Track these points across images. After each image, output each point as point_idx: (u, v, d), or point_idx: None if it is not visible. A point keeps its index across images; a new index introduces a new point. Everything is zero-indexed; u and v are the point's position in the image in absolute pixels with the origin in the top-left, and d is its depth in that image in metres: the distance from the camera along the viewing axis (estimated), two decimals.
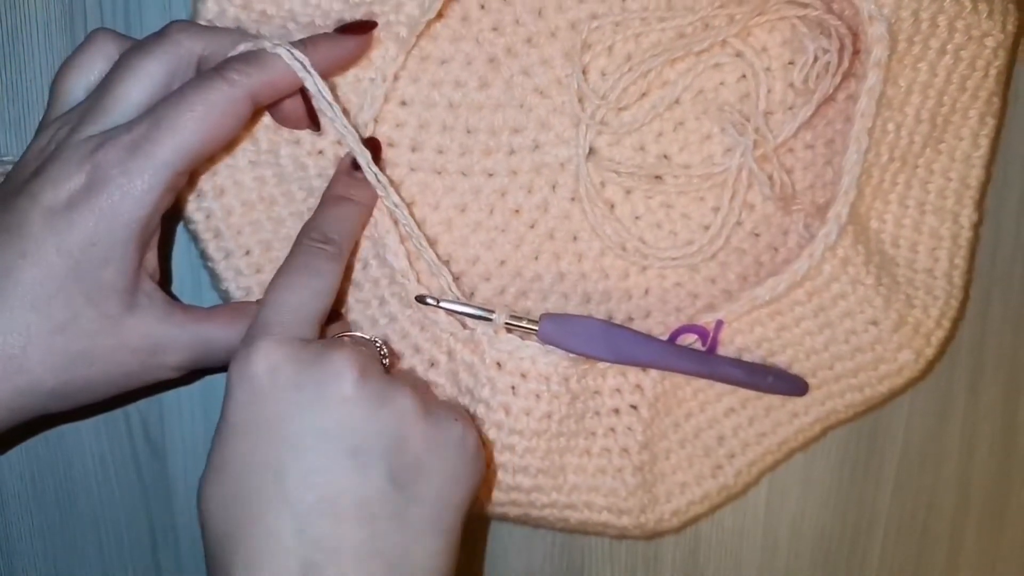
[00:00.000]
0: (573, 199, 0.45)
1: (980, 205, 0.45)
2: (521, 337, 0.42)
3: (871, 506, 0.53)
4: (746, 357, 0.45)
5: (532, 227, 0.45)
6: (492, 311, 0.41)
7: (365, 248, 0.42)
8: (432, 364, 0.43)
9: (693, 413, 0.46)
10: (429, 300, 0.41)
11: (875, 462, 0.52)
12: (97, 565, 0.49)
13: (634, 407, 0.45)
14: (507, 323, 0.42)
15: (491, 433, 0.42)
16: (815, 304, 0.44)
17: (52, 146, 0.36)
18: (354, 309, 0.43)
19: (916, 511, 0.53)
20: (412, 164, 0.43)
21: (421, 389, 0.39)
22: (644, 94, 0.44)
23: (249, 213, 0.42)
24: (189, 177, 0.39)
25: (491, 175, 0.44)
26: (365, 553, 0.34)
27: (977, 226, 0.46)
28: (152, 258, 0.38)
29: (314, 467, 0.34)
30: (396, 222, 0.41)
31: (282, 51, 0.37)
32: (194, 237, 0.42)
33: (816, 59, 0.43)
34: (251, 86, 0.36)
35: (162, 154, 0.35)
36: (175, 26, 0.38)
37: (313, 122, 0.40)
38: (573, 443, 0.44)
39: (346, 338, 0.39)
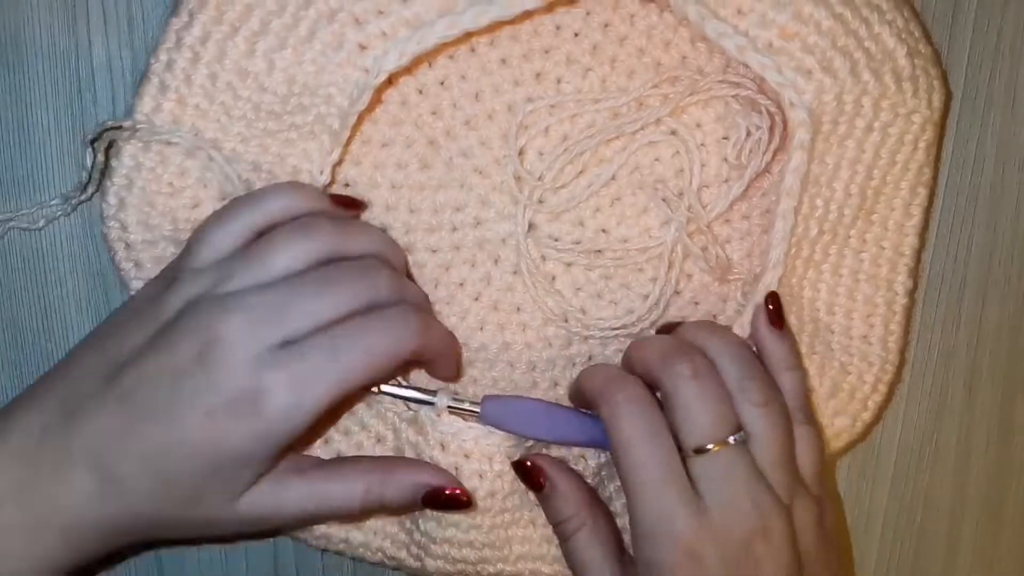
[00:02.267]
0: (515, 272, 0.46)
1: (915, 272, 0.46)
2: (464, 418, 0.43)
3: (868, 506, 0.53)
4: None
5: (476, 299, 0.46)
6: (434, 392, 0.43)
7: None
8: (379, 440, 0.45)
9: None
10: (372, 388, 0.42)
11: (872, 462, 0.53)
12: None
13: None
14: (449, 406, 0.43)
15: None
16: None
17: (209, 321, 0.36)
18: None
19: (913, 511, 0.54)
20: None
21: None
22: (581, 172, 0.45)
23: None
24: None
25: (435, 251, 0.46)
26: None
27: (912, 292, 0.46)
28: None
29: None
30: None
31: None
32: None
33: (748, 135, 0.44)
34: (412, 349, 0.38)
35: (329, 390, 0.36)
36: (351, 231, 0.40)
37: None
38: (519, 515, 0.45)
39: None
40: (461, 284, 0.46)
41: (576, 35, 0.44)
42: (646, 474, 0.39)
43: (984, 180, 0.50)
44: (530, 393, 0.46)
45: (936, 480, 0.54)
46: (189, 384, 0.35)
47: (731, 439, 0.39)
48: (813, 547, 0.40)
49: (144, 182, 0.41)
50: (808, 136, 0.41)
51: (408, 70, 0.42)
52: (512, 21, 0.40)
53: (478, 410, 0.43)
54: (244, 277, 0.37)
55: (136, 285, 0.42)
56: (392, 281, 0.39)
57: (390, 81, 0.43)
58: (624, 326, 0.46)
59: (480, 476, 0.43)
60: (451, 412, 0.43)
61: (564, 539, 0.43)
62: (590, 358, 0.47)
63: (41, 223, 0.45)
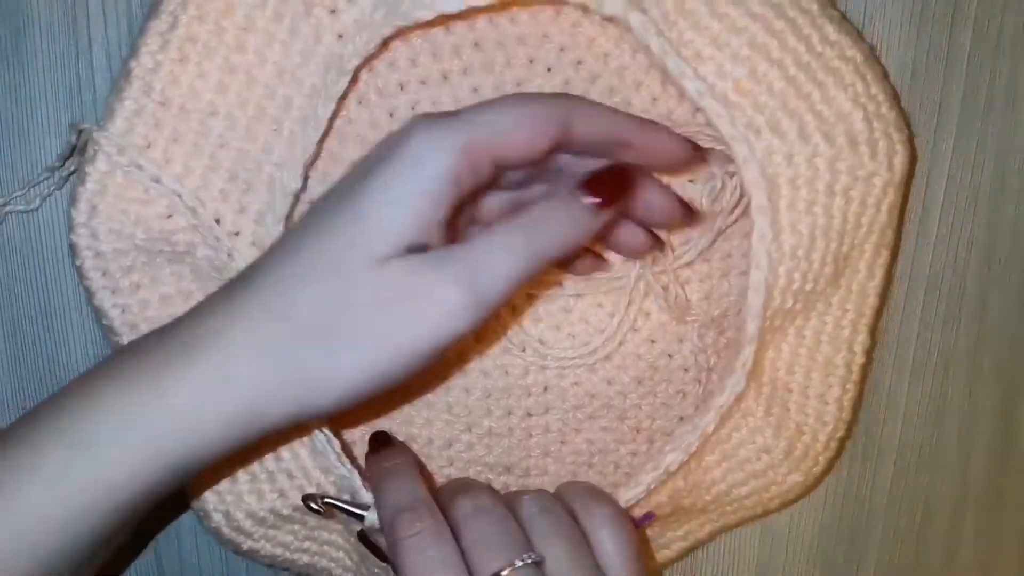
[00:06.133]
0: None
1: (873, 330, 0.46)
2: None
3: (868, 506, 0.53)
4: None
5: None
6: (366, 507, 0.41)
7: None
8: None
9: None
10: (313, 505, 0.42)
11: (872, 462, 0.53)
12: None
13: None
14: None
15: None
16: (712, 440, 0.45)
17: None
18: None
19: (913, 511, 0.54)
20: None
21: None
22: None
23: (166, 307, 0.42)
24: None
25: None
26: None
27: (870, 351, 0.46)
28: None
29: None
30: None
31: None
32: (109, 333, 0.43)
33: (723, 185, 0.43)
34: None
35: None
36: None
37: None
38: None
39: None
40: None
41: (549, 70, 0.43)
42: None
43: (984, 180, 0.49)
44: (482, 422, 0.48)
45: (936, 480, 0.53)
46: None
47: (519, 561, 0.37)
48: None
49: (118, 188, 0.41)
50: (766, 198, 0.40)
51: (379, 89, 0.43)
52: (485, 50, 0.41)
53: None
54: None
55: (103, 295, 0.42)
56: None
57: (360, 101, 0.43)
58: (580, 357, 0.47)
59: None
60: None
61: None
62: (546, 388, 0.48)
63: (37, 202, 0.45)
